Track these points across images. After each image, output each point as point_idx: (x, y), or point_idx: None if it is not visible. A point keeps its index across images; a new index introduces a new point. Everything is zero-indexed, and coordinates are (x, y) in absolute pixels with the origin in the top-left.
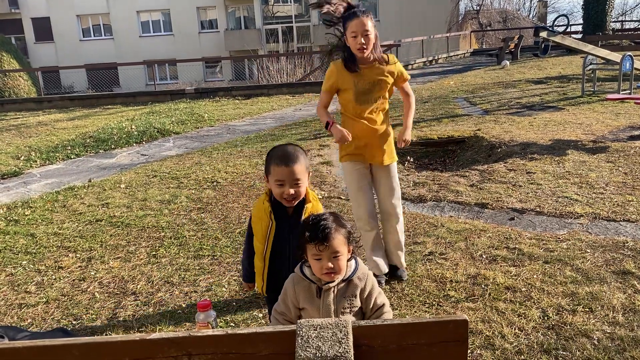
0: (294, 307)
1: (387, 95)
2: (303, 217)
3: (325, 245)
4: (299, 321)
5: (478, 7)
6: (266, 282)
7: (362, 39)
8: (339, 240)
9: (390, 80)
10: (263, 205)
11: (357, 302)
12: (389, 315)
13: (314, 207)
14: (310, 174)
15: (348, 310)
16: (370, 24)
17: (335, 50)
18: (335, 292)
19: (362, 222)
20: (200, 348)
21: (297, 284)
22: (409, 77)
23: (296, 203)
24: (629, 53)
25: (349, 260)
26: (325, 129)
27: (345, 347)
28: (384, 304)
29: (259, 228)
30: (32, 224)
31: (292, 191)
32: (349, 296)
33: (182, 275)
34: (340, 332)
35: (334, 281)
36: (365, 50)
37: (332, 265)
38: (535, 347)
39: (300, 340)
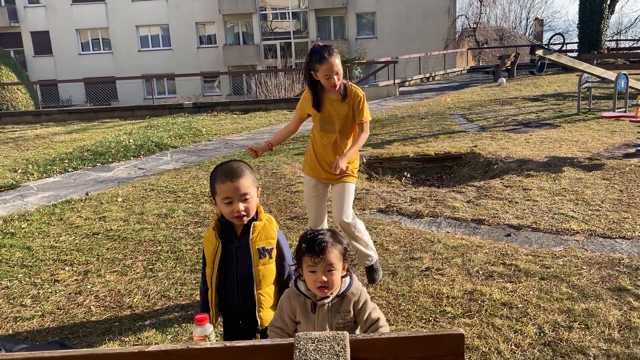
0: (291, 320)
1: (350, 128)
2: (251, 236)
3: (321, 257)
4: (296, 334)
5: (475, 25)
6: (215, 310)
7: (335, 78)
8: (334, 255)
9: (352, 115)
10: (212, 228)
11: (351, 317)
12: (385, 329)
13: (266, 226)
14: (259, 189)
15: (342, 325)
16: (337, 62)
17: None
18: (329, 307)
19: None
20: None
21: (293, 299)
22: (367, 118)
23: (246, 221)
24: (624, 71)
25: (344, 276)
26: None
27: None
28: (379, 318)
29: (207, 251)
30: (29, 237)
31: (241, 207)
32: (343, 311)
33: (179, 290)
34: (338, 345)
35: (328, 297)
36: (336, 87)
37: (326, 279)
38: None
39: (298, 353)
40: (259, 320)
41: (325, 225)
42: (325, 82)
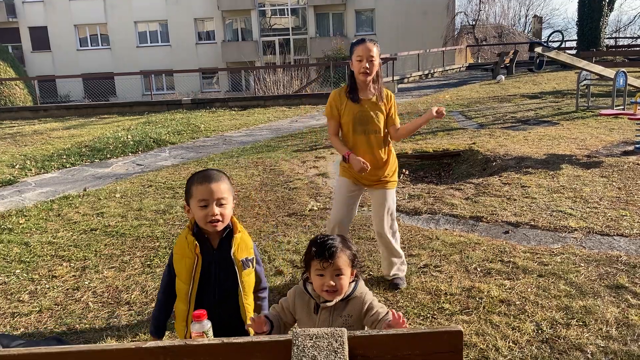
0: (290, 313)
1: (384, 128)
2: (233, 250)
3: (330, 262)
4: (295, 330)
5: (474, 22)
6: (189, 329)
7: (367, 63)
8: (343, 260)
9: (386, 116)
10: (186, 241)
11: (354, 322)
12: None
13: (244, 237)
14: (235, 201)
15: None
16: (375, 50)
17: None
18: (332, 310)
19: (329, 227)
20: (196, 357)
21: (298, 297)
22: (397, 120)
23: (222, 229)
24: (623, 69)
25: (351, 282)
26: (344, 161)
27: (341, 357)
28: (388, 312)
29: (182, 266)
30: (26, 233)
31: (217, 211)
32: (345, 315)
33: None
34: (336, 341)
35: (331, 300)
36: (368, 75)
37: (334, 284)
38: None
39: (296, 350)
40: (251, 332)
41: (346, 227)
42: (356, 65)
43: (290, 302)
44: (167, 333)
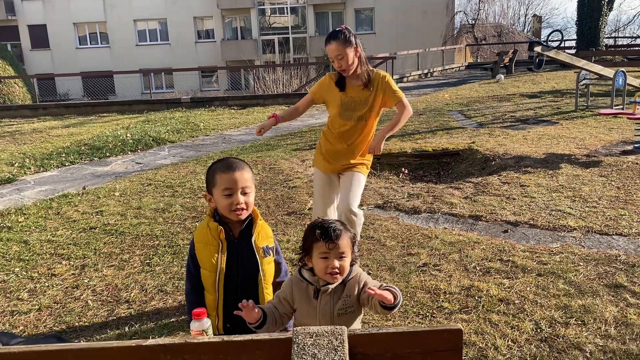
0: (288, 303)
1: (370, 115)
2: (254, 237)
3: (336, 243)
4: (295, 329)
5: (473, 21)
6: (222, 318)
7: (338, 62)
8: (346, 242)
9: (374, 101)
10: (208, 228)
11: (352, 302)
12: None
13: (264, 225)
14: (256, 189)
15: (344, 311)
16: (341, 48)
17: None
18: (332, 293)
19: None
20: (196, 355)
21: (295, 285)
22: (399, 96)
23: (245, 217)
24: (622, 69)
25: (350, 264)
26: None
27: (341, 355)
28: (382, 284)
29: (206, 255)
30: (26, 231)
31: (241, 199)
32: (345, 297)
33: (176, 284)
34: (336, 339)
35: (334, 283)
36: (344, 71)
37: (338, 265)
38: (528, 359)
39: (296, 348)
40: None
41: (331, 216)
42: (334, 65)
43: (288, 291)
44: (181, 333)
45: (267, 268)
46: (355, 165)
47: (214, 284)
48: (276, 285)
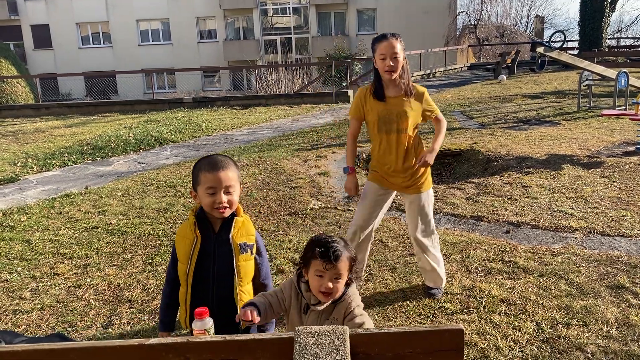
0: (284, 306)
1: (412, 127)
2: (232, 232)
3: (333, 264)
4: (296, 328)
5: (476, 22)
6: (189, 312)
7: (391, 62)
8: (344, 265)
9: (415, 113)
10: (188, 222)
11: (339, 324)
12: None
13: (245, 223)
14: (242, 188)
15: None
16: (399, 46)
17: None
18: (321, 313)
19: (350, 231)
20: (198, 354)
21: (292, 291)
22: (437, 111)
23: (227, 215)
24: (625, 70)
25: (345, 284)
26: (344, 172)
27: (343, 354)
28: (364, 323)
29: (182, 247)
30: (28, 230)
31: (224, 198)
32: (332, 319)
33: None
34: (338, 339)
35: (324, 303)
36: (393, 73)
37: (332, 286)
38: (530, 359)
39: (298, 347)
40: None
41: (366, 232)
42: (380, 64)
43: (287, 297)
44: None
45: (243, 265)
46: (417, 184)
47: (184, 275)
48: (259, 286)
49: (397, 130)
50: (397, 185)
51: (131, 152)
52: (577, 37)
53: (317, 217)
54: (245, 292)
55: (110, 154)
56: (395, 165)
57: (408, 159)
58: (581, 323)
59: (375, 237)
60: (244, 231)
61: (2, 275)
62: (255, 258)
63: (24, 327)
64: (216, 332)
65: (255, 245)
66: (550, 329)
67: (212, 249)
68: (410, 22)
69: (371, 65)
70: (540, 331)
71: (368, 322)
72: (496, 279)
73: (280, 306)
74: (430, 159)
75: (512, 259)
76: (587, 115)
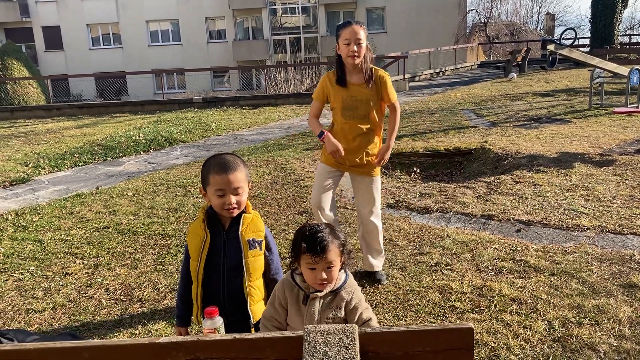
0: (283, 308)
1: (374, 113)
2: (241, 228)
3: (322, 256)
4: (306, 327)
5: (486, 20)
6: (201, 307)
7: (355, 46)
8: (334, 252)
9: (377, 98)
10: (198, 219)
11: (341, 314)
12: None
13: (254, 219)
14: (250, 184)
15: (331, 321)
16: (362, 33)
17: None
18: (321, 301)
19: (314, 213)
20: (208, 352)
21: (287, 288)
22: (394, 98)
23: (236, 214)
24: (637, 67)
25: (340, 269)
26: (318, 138)
27: (352, 353)
28: (370, 319)
29: (193, 244)
30: (40, 230)
31: (233, 199)
32: (334, 307)
33: None
34: (347, 338)
35: (322, 291)
36: (357, 58)
37: (326, 276)
38: (541, 359)
39: (308, 346)
40: (251, 314)
41: (328, 213)
42: (344, 49)
43: (281, 296)
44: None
45: (252, 260)
46: (369, 168)
47: (195, 271)
48: (270, 281)
49: (361, 116)
50: (346, 166)
51: (141, 153)
52: (588, 35)
53: None
54: (255, 287)
55: (120, 154)
56: (347, 146)
57: (366, 142)
58: (593, 322)
59: (384, 237)
60: (253, 227)
61: (15, 275)
62: (265, 254)
63: (36, 326)
64: (227, 326)
65: (264, 241)
66: (561, 328)
67: (221, 245)
68: (419, 20)
69: (380, 64)
70: (551, 330)
71: (374, 317)
72: (507, 277)
73: (279, 311)
74: (387, 156)
75: (523, 257)
76: (598, 113)
